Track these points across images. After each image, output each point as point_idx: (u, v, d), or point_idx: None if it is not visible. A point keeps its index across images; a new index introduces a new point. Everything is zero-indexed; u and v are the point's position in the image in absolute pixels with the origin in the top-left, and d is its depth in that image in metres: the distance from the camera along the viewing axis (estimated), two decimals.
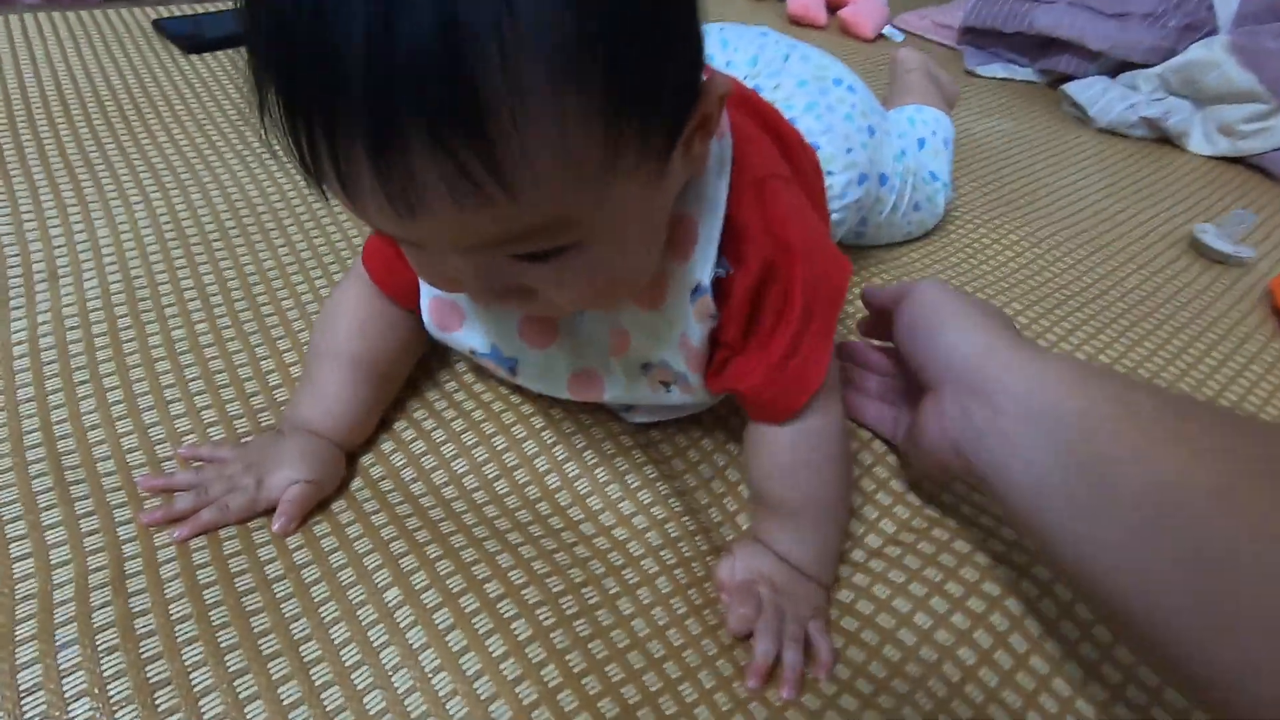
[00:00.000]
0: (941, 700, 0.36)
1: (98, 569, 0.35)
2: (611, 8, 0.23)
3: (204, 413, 0.44)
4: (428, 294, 0.41)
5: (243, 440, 0.42)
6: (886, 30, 1.32)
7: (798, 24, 1.31)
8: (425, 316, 0.42)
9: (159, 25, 0.89)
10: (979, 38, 1.26)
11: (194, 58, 0.85)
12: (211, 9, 0.97)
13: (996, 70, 1.22)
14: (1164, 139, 1.05)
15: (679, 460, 0.47)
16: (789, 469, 0.39)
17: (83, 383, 0.44)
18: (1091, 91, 1.08)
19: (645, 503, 0.43)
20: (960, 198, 0.82)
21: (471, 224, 0.25)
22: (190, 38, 0.86)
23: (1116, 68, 1.12)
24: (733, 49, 0.59)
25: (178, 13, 0.95)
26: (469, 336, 0.41)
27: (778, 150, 0.41)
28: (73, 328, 0.48)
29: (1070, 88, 1.10)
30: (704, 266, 0.35)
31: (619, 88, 0.24)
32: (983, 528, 0.44)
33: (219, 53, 0.86)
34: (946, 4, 1.43)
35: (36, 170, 0.62)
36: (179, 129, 0.71)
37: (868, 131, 0.58)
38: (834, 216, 0.56)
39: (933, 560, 0.42)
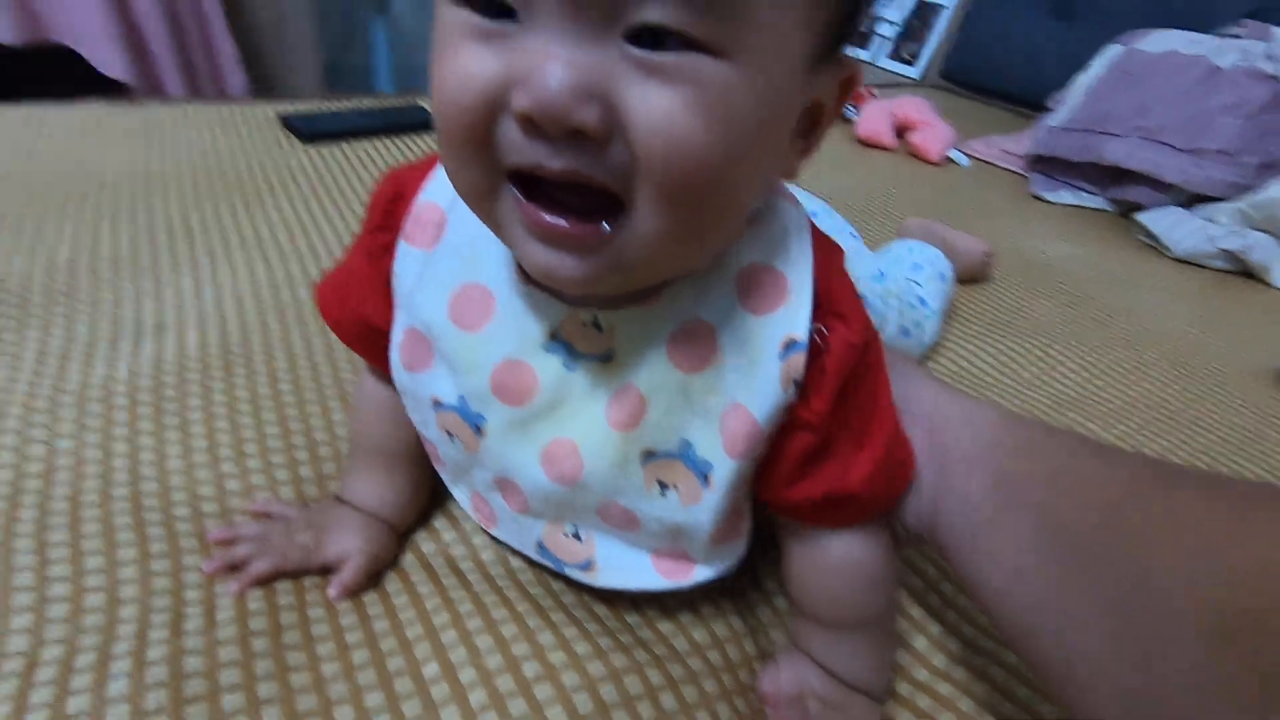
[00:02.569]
0: None
1: (160, 610, 0.36)
2: None
3: (277, 471, 0.45)
4: (401, 327, 0.35)
5: (306, 503, 0.43)
6: (953, 154, 1.36)
7: (867, 146, 1.36)
8: (394, 357, 0.35)
9: (284, 119, 0.99)
10: (1048, 166, 1.28)
11: (310, 148, 0.94)
12: (327, 109, 1.08)
13: (1065, 197, 1.23)
14: (1244, 272, 1.03)
15: None
16: (850, 585, 0.35)
17: (171, 428, 0.47)
18: (1167, 221, 1.08)
19: (690, 600, 0.42)
20: (1035, 314, 0.81)
21: None
22: (308, 131, 0.96)
23: (1190, 199, 1.12)
24: None
25: (302, 109, 1.06)
26: (435, 381, 0.34)
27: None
28: (168, 375, 0.51)
29: (1144, 217, 1.10)
30: (800, 321, 0.30)
31: None
32: None
33: (331, 145, 0.96)
34: (1014, 133, 1.47)
35: (161, 234, 0.69)
36: (288, 206, 0.78)
37: (849, 236, 0.60)
38: None
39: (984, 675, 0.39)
